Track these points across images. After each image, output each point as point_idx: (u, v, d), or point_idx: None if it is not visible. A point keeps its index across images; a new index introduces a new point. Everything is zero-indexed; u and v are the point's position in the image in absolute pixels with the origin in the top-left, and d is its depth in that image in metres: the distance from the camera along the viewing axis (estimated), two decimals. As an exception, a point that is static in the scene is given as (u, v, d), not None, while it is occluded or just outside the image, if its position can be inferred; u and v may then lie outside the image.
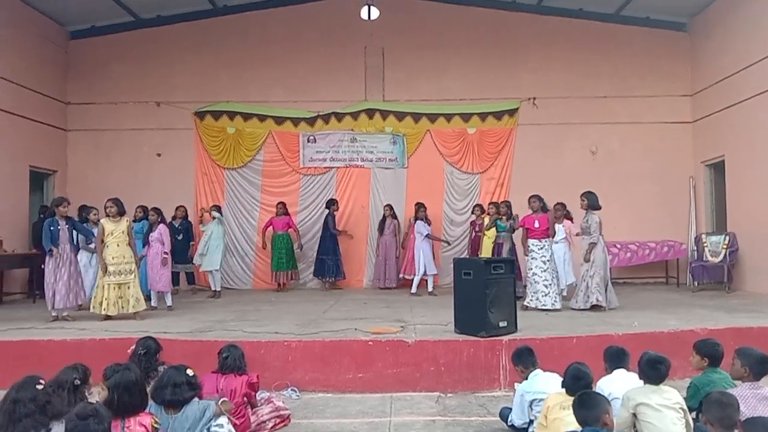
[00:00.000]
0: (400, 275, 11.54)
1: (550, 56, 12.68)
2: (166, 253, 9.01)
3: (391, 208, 11.96)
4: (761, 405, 3.75)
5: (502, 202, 10.49)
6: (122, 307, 7.85)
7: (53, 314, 7.87)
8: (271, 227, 11.71)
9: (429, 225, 11.16)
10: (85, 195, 11.21)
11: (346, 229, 12.19)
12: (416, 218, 11.03)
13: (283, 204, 11.76)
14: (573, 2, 12.51)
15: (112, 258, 7.83)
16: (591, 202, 8.58)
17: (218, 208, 11.10)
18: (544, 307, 8.38)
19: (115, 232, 7.90)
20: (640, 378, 3.97)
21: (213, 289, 10.77)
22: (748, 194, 10.66)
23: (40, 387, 3.35)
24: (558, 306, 8.41)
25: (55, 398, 3.42)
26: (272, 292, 11.45)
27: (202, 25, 12.87)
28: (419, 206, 11.15)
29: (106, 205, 8.01)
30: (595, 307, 8.36)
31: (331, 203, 11.96)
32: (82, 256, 8.80)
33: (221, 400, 4.35)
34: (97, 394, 3.93)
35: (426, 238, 10.91)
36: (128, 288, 7.89)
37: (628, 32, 12.68)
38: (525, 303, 8.42)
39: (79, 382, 3.80)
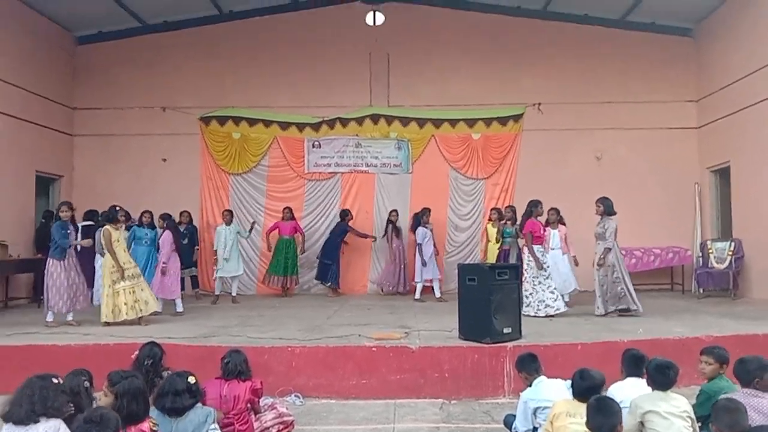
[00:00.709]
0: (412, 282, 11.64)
1: (555, 62, 12.68)
2: (164, 263, 9.04)
3: (397, 213, 11.98)
4: (755, 414, 3.70)
5: (506, 208, 10.43)
6: (140, 310, 7.93)
7: (49, 319, 7.82)
8: (276, 231, 11.74)
9: (431, 231, 11.13)
10: (91, 200, 11.28)
11: (366, 233, 12.19)
12: (420, 224, 10.99)
13: (290, 209, 11.82)
14: (578, 8, 12.51)
15: (123, 263, 7.94)
16: (607, 208, 8.54)
17: (231, 213, 11.27)
18: (557, 312, 8.35)
19: (120, 238, 8.05)
20: (649, 384, 3.95)
21: (232, 294, 10.89)
22: (754, 201, 10.61)
23: (55, 381, 3.42)
24: (562, 308, 8.42)
25: (60, 397, 3.43)
26: (276, 298, 11.45)
27: (209, 30, 12.92)
28: (424, 211, 11.13)
29: (120, 213, 8.22)
30: (623, 312, 8.33)
31: (345, 214, 11.96)
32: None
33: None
34: (99, 400, 3.93)
35: (430, 241, 10.89)
36: (142, 290, 8.00)
37: (634, 38, 12.66)
38: (533, 313, 8.35)
39: (88, 384, 3.83)
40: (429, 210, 11.19)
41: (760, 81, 10.36)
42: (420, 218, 11.06)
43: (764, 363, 3.93)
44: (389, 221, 11.98)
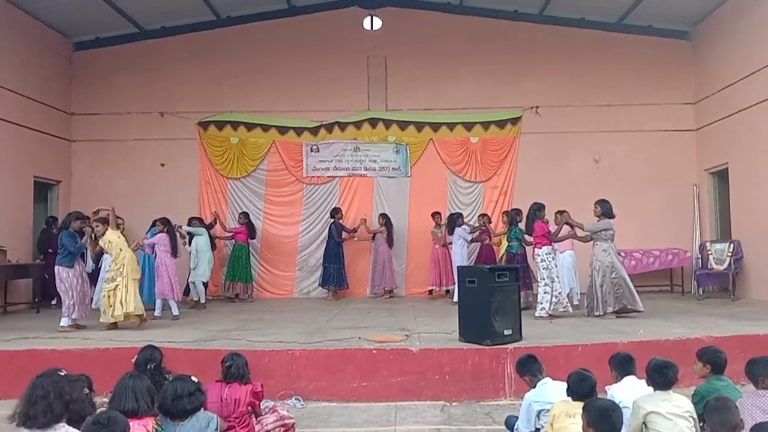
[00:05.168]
0: (430, 286, 11.68)
1: (552, 65, 12.72)
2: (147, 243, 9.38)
3: (383, 216, 12.04)
4: (760, 413, 3.69)
5: (513, 210, 10.38)
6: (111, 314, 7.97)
7: (64, 324, 7.81)
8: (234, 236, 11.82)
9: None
10: (89, 205, 11.13)
11: (355, 228, 12.18)
12: (456, 226, 11.03)
13: (246, 213, 11.88)
14: (575, 12, 12.55)
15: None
16: (605, 210, 8.54)
17: (200, 220, 11.25)
18: (564, 312, 8.41)
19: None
20: (649, 384, 3.93)
21: (202, 301, 10.63)
22: (752, 202, 10.63)
23: (61, 374, 3.32)
24: (570, 309, 8.50)
25: (76, 389, 3.31)
26: (275, 301, 11.48)
27: (206, 36, 12.93)
28: (458, 215, 11.31)
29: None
30: (621, 313, 8.34)
31: (335, 212, 11.99)
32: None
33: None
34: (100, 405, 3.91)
35: (465, 243, 10.92)
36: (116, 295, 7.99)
37: (631, 41, 12.70)
38: (551, 312, 8.36)
39: (87, 391, 3.79)
40: (460, 214, 11.45)
41: (757, 83, 10.40)
42: (455, 221, 11.09)
43: None
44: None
